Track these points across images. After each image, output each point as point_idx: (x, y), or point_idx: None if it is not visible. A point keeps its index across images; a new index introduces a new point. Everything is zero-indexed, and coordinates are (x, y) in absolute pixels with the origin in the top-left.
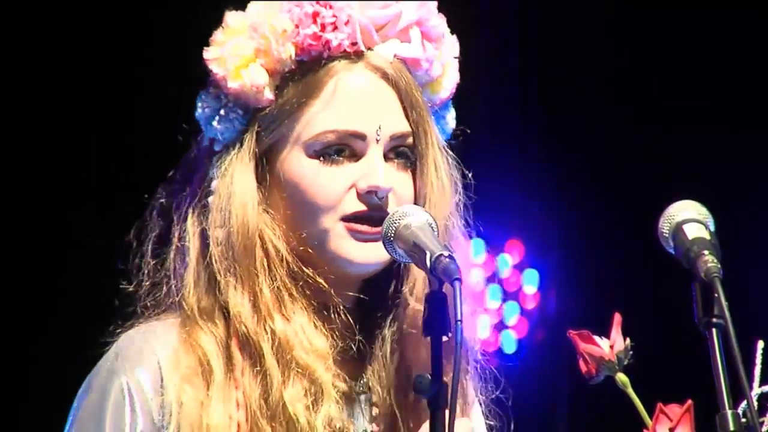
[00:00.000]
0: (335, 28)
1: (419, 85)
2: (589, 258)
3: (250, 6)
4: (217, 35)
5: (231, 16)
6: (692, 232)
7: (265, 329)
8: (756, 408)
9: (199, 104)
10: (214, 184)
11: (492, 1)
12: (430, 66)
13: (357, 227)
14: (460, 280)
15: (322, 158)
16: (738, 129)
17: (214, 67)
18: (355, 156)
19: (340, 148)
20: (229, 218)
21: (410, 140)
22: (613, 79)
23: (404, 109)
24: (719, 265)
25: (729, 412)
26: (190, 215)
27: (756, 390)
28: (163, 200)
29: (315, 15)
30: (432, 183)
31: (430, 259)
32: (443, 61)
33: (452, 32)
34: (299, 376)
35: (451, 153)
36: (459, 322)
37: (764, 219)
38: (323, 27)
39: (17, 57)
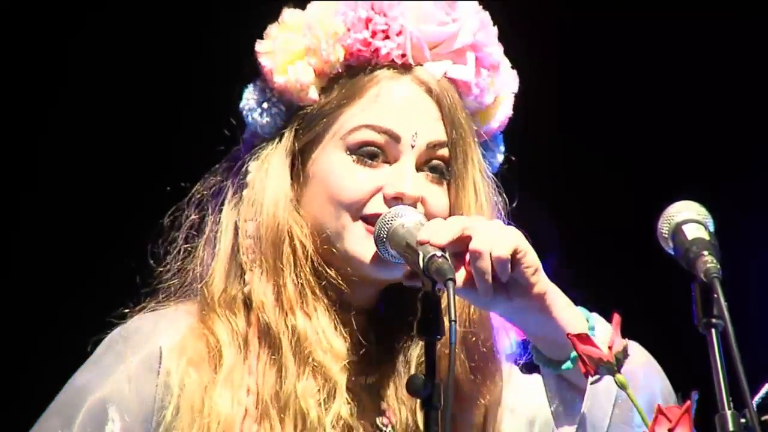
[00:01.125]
0: (386, 36)
1: (468, 110)
2: (589, 258)
3: (310, 5)
4: (272, 29)
5: (288, 13)
6: (691, 232)
7: (285, 323)
8: (755, 408)
9: (245, 95)
10: (249, 177)
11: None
12: (481, 93)
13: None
14: (453, 280)
15: (355, 157)
16: (741, 128)
17: (264, 60)
18: (388, 160)
19: (374, 152)
20: (260, 211)
21: (446, 154)
22: (612, 79)
23: (445, 126)
24: (718, 266)
25: (728, 413)
26: (225, 206)
27: (757, 398)
28: (204, 191)
29: (368, 21)
30: (470, 205)
31: (423, 260)
32: (497, 91)
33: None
34: (314, 372)
35: (493, 178)
36: (453, 323)
37: (764, 219)
38: (374, 34)
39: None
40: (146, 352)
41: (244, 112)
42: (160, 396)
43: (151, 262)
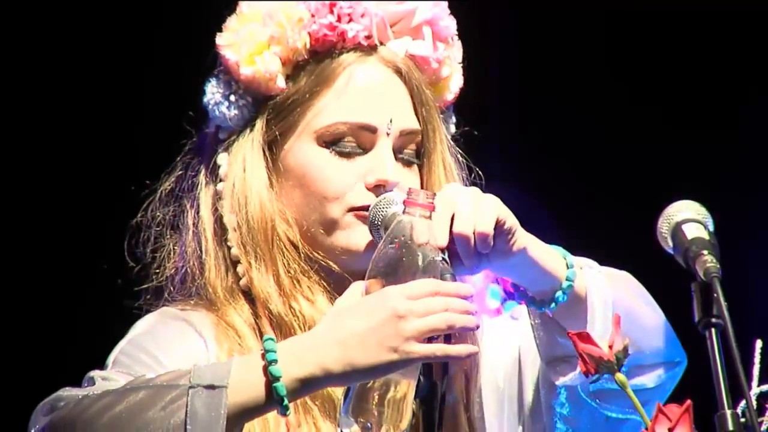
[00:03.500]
0: (351, 19)
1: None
2: (589, 258)
3: None
4: (231, 22)
5: (245, 4)
6: (691, 232)
7: (292, 311)
8: (755, 407)
9: (208, 90)
10: (223, 170)
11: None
12: (439, 66)
13: (366, 214)
14: (453, 275)
15: (331, 149)
16: (741, 128)
17: (227, 53)
18: (365, 149)
19: (351, 144)
20: (245, 204)
21: (419, 139)
22: (612, 77)
23: (414, 105)
24: (718, 265)
25: (728, 412)
26: (202, 201)
27: (755, 389)
28: (169, 186)
29: (332, 6)
30: (440, 182)
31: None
32: (451, 63)
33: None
34: None
35: (459, 151)
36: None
37: (764, 218)
38: (339, 18)
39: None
40: (195, 338)
41: (210, 107)
42: None
43: (131, 263)
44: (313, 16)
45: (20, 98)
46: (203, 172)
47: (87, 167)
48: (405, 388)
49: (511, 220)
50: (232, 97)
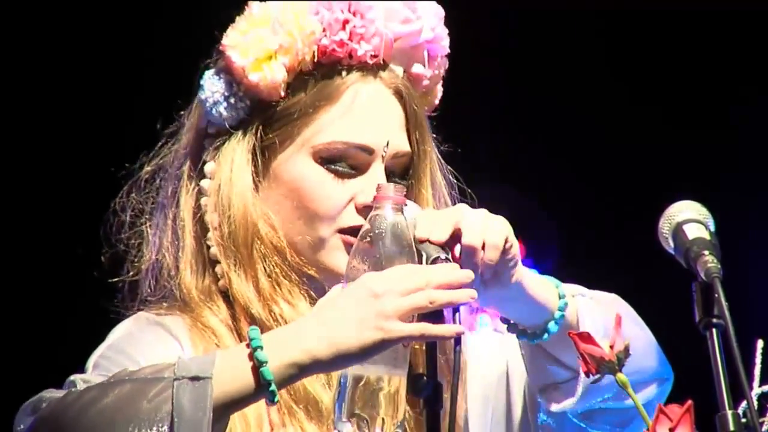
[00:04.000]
0: (362, 38)
1: None
2: (589, 258)
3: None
4: (240, 23)
5: (255, 6)
6: (692, 232)
7: (272, 315)
8: (756, 408)
9: (208, 87)
10: (209, 168)
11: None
12: (429, 83)
13: (353, 240)
14: (447, 253)
15: (326, 166)
16: (742, 128)
17: (233, 55)
18: (358, 170)
19: (346, 160)
20: (228, 205)
21: (408, 161)
22: (613, 75)
23: (408, 127)
24: (719, 265)
25: (729, 413)
26: (183, 196)
27: (756, 390)
28: (151, 168)
29: (345, 22)
30: (428, 201)
31: (427, 263)
32: (439, 78)
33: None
34: None
35: (452, 170)
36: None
37: (764, 218)
38: (351, 36)
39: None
40: (171, 341)
41: (208, 105)
42: None
43: (107, 248)
44: (324, 30)
45: (18, 99)
46: (188, 164)
47: (72, 161)
48: (397, 382)
49: (516, 248)
50: (232, 99)
